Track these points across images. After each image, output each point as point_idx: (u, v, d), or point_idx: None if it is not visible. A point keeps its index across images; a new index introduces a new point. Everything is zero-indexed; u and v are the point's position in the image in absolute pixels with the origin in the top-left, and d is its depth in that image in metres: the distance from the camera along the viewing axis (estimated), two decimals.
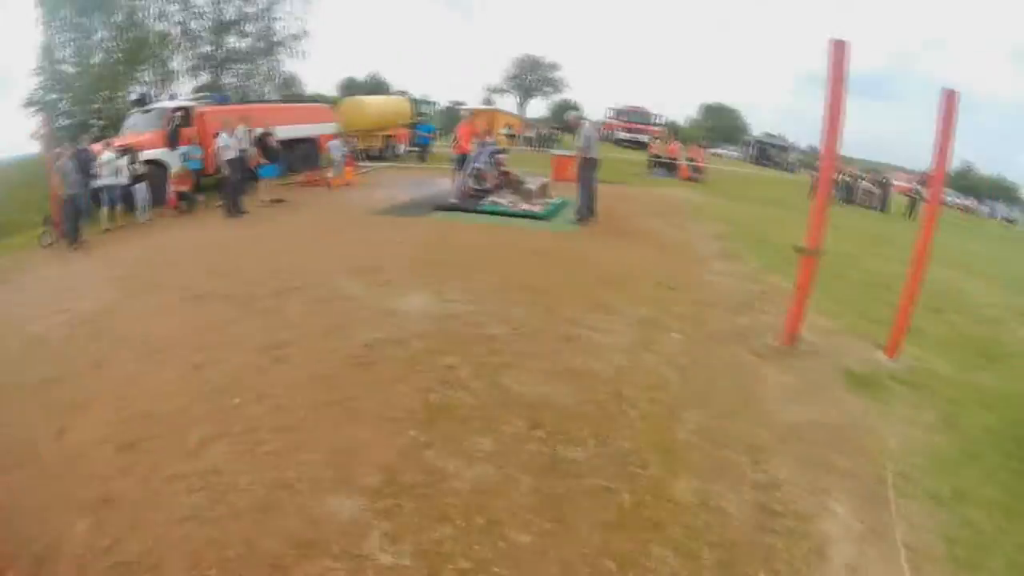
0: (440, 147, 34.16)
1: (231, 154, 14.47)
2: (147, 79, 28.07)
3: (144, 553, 3.93)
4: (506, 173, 15.33)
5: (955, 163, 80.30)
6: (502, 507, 4.38)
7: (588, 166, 13.67)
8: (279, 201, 15.14)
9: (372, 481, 4.57)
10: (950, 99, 7.00)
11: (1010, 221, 60.76)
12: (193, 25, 30.73)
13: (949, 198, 60.76)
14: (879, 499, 4.77)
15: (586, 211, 13.78)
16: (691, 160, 29.16)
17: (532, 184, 15.43)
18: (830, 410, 5.94)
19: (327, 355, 6.44)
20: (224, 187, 14.72)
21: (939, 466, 5.33)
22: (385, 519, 4.23)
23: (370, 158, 23.29)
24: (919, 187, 36.24)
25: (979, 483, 5.20)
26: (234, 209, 14.37)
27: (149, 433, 5.21)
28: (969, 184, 76.98)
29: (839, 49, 6.63)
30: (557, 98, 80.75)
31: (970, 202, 63.19)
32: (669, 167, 28.84)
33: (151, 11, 28.32)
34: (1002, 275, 16.18)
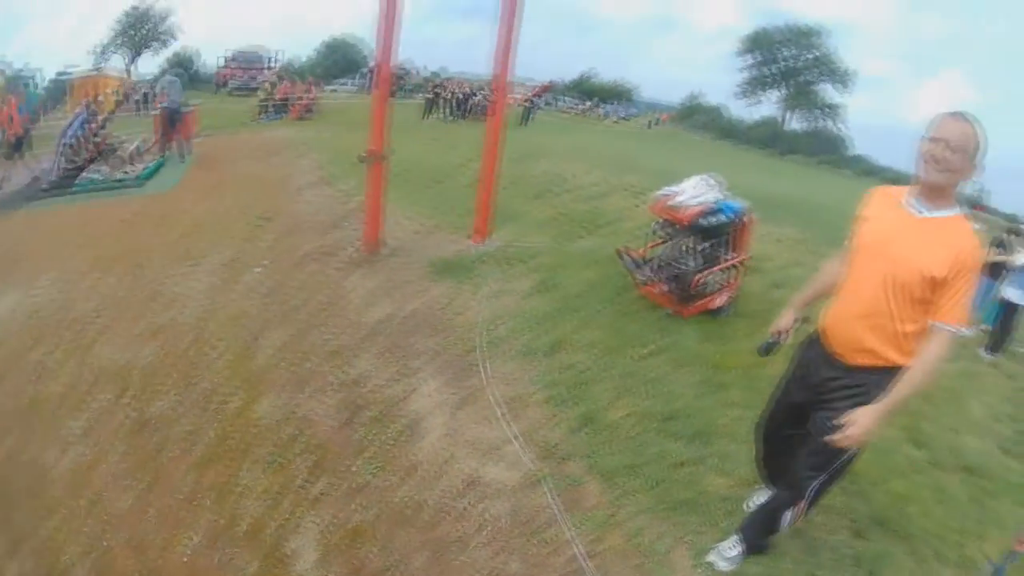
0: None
1: None
2: None
3: None
4: (99, 142, 14.31)
5: (576, 72, 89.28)
6: (101, 481, 4.53)
7: (166, 116, 15.04)
8: None
9: None
10: (511, 2, 7.42)
11: (625, 119, 69.52)
12: None
13: (569, 103, 67.91)
14: (471, 367, 5.24)
15: (179, 157, 14.90)
16: (300, 99, 28.10)
17: (127, 149, 14.67)
18: (414, 301, 6.33)
19: None
20: None
21: (535, 325, 5.98)
22: None
23: None
24: (533, 98, 39.35)
25: (578, 330, 5.95)
26: None
27: None
28: (590, 89, 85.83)
29: None
30: (171, 50, 72.42)
31: (588, 105, 70.07)
32: (280, 109, 27.47)
33: None
34: (606, 160, 17.80)
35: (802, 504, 3.28)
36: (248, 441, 4.68)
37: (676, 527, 3.75)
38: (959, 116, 2.73)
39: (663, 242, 6.91)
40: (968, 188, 3.69)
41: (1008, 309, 9.20)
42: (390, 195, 9.42)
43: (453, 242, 8.11)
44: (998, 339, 9.18)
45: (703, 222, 6.31)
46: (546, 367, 5.25)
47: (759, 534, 3.51)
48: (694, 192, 6.51)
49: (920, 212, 2.78)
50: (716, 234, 6.57)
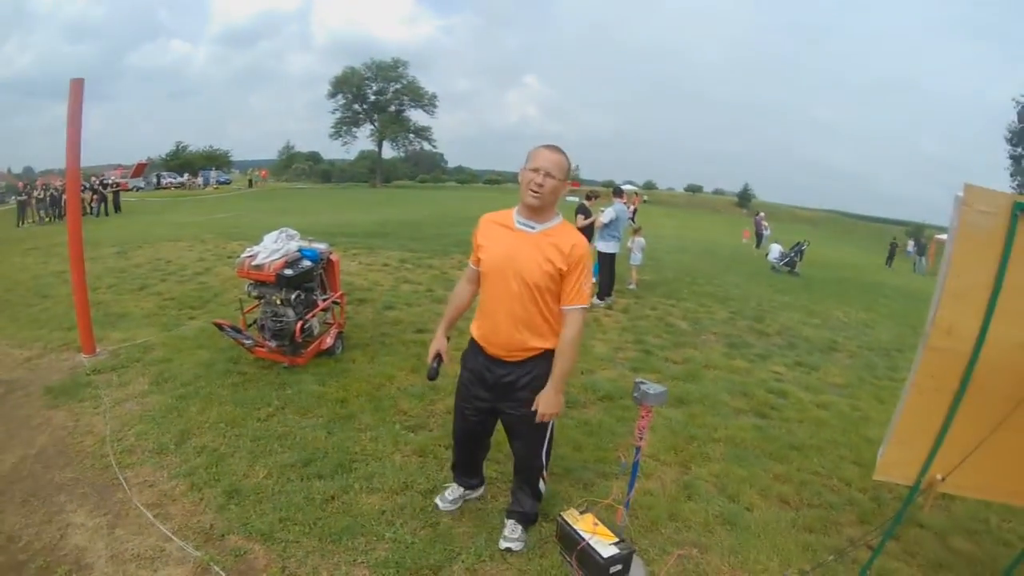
0: None
1: None
2: None
3: None
4: None
5: (169, 147, 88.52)
6: None
7: None
8: None
9: None
10: (76, 88, 7.21)
11: (225, 183, 69.66)
12: None
13: (166, 179, 65.68)
14: (112, 484, 5.20)
15: None
16: None
17: None
18: (41, 436, 6.07)
19: None
20: None
21: (159, 421, 6.07)
22: None
23: None
24: (121, 181, 38.08)
25: (202, 412, 6.15)
26: None
27: None
28: (184, 161, 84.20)
29: None
30: None
31: (186, 178, 68.41)
32: None
33: None
34: (207, 232, 18.24)
35: (545, 470, 4.17)
36: None
37: (346, 553, 4.21)
38: (552, 148, 3.54)
39: (259, 302, 7.30)
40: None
41: (604, 259, 11.54)
42: None
43: (66, 360, 7.81)
44: (606, 286, 11.52)
45: (288, 272, 6.80)
46: (180, 458, 5.46)
47: (531, 507, 4.28)
48: (273, 247, 6.98)
49: (532, 229, 3.56)
50: (305, 280, 7.13)
